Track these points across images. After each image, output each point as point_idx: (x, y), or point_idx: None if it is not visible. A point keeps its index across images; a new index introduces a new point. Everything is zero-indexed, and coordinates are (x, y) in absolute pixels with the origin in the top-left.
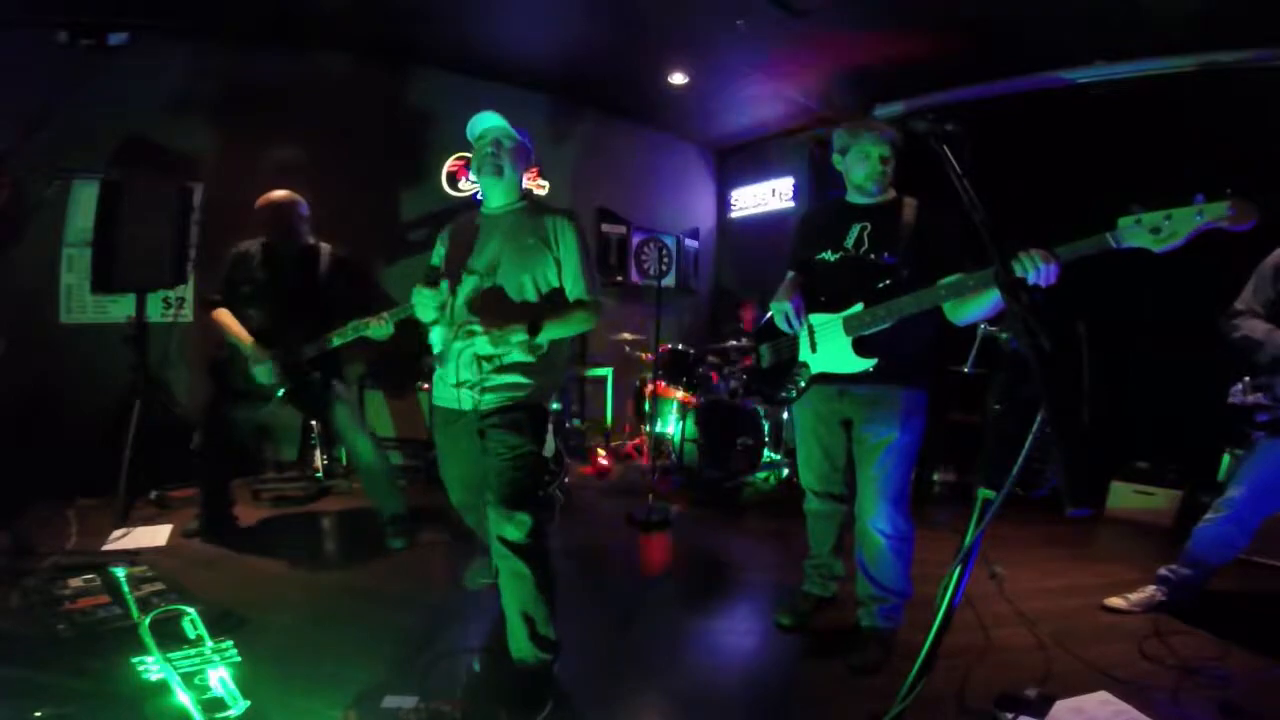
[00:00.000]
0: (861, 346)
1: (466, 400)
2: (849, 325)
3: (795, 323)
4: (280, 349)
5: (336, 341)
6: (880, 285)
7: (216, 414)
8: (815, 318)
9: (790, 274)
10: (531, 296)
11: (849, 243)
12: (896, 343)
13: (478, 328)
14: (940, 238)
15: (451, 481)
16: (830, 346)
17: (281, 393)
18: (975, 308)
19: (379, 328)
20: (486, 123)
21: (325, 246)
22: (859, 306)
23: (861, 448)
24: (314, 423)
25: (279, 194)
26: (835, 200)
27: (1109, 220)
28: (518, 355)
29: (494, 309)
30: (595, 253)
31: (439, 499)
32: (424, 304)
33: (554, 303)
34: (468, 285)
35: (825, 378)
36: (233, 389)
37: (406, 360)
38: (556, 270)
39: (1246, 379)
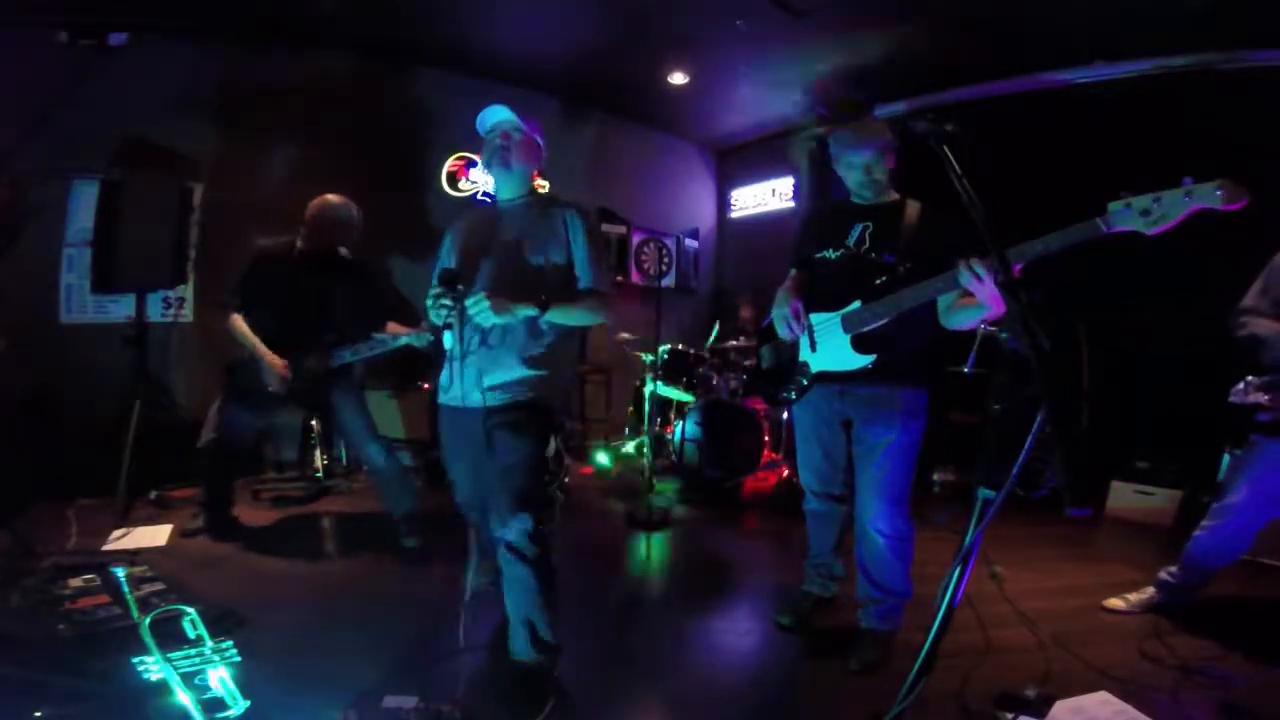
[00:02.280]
0: (860, 343)
1: (472, 398)
2: (847, 322)
3: (796, 327)
4: (297, 359)
5: (350, 357)
6: (878, 282)
7: (228, 414)
8: (815, 317)
9: (792, 272)
10: (543, 276)
11: (850, 241)
12: (896, 341)
13: (484, 302)
14: (942, 239)
15: (457, 479)
16: (830, 345)
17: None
18: (971, 311)
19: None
20: (496, 116)
21: (344, 252)
22: (857, 304)
23: (862, 448)
24: (314, 422)
25: (336, 199)
26: (840, 200)
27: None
28: (524, 344)
29: (505, 284)
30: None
31: (439, 500)
32: (438, 310)
33: (566, 287)
34: (480, 276)
35: (826, 377)
36: (245, 392)
37: (408, 360)
38: (569, 265)
39: (1249, 378)
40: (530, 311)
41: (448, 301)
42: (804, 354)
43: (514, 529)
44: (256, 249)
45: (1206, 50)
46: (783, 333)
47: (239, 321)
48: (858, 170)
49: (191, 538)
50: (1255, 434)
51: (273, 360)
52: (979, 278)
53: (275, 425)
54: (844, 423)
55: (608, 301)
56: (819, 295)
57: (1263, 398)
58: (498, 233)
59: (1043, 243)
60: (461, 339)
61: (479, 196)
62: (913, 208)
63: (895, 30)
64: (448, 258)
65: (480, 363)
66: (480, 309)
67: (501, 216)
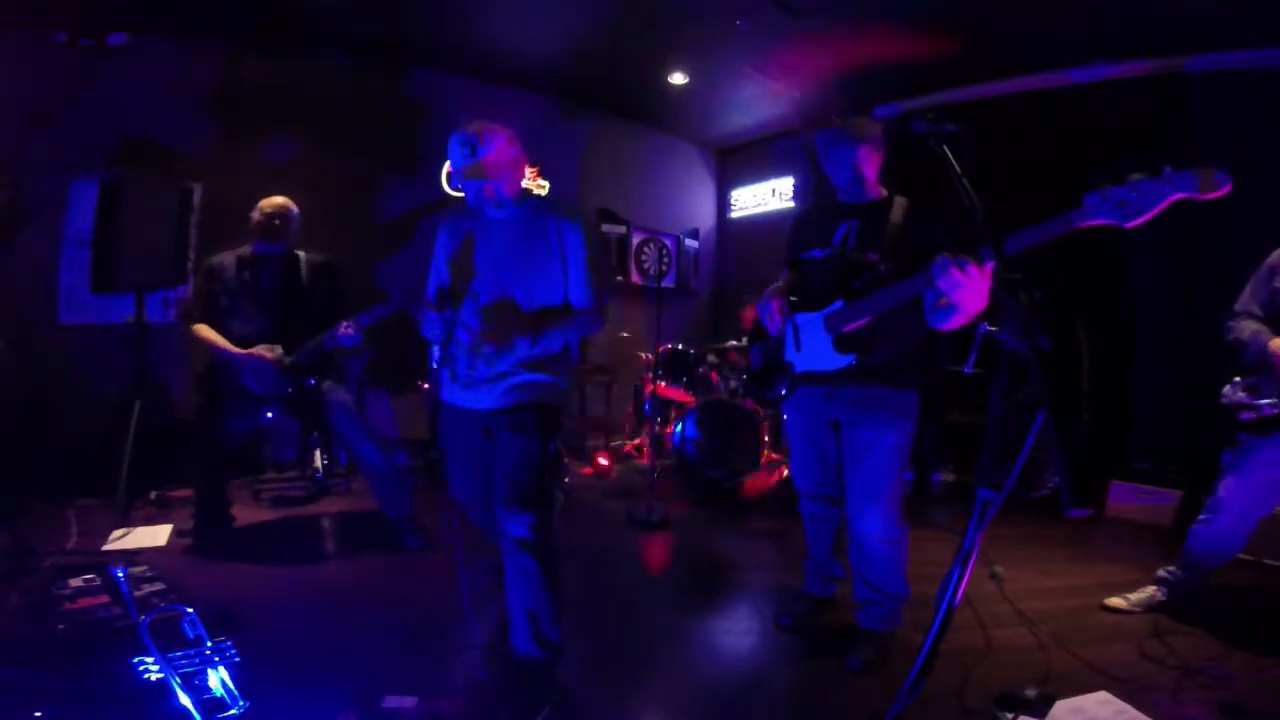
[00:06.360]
0: (842, 343)
1: (472, 399)
2: (830, 323)
3: (777, 319)
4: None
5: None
6: (855, 284)
7: (206, 421)
8: (801, 317)
9: (785, 272)
10: (534, 296)
11: (836, 240)
12: (880, 340)
13: (486, 344)
14: (925, 237)
15: (457, 477)
16: (814, 345)
17: (278, 397)
18: (952, 309)
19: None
20: (466, 169)
21: (303, 254)
22: (840, 304)
23: (850, 450)
24: None
25: (278, 199)
26: (827, 199)
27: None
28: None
29: (501, 319)
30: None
31: (439, 499)
32: (431, 327)
33: (560, 310)
34: (472, 295)
35: (811, 377)
36: (225, 397)
37: (407, 359)
38: (564, 276)
39: (1237, 378)
40: (525, 344)
41: (435, 320)
42: (789, 354)
43: (518, 525)
44: (206, 264)
45: (1201, 51)
46: (767, 325)
47: (204, 329)
48: (848, 166)
49: (190, 538)
50: (1242, 432)
51: (255, 354)
52: (948, 272)
53: (270, 426)
54: (834, 424)
55: (599, 314)
56: (806, 295)
57: (1244, 397)
58: (489, 248)
59: (1017, 238)
60: (450, 355)
61: None
62: (899, 205)
63: (894, 32)
64: (440, 265)
65: (480, 367)
66: (483, 349)
67: (495, 229)
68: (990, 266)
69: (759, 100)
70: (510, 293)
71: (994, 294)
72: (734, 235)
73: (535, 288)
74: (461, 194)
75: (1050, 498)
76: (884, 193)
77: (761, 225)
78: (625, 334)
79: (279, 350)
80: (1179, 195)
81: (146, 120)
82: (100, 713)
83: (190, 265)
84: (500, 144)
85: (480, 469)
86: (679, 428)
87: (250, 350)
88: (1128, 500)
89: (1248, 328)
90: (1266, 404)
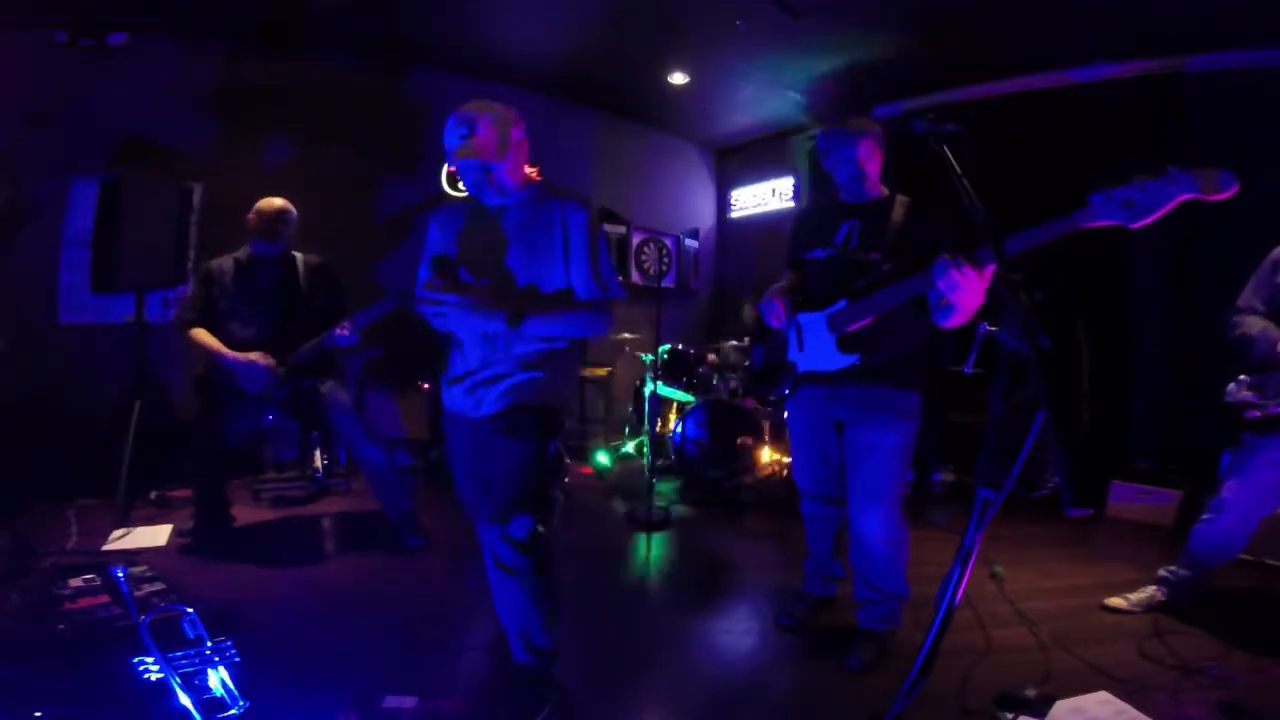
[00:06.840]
0: (844, 343)
1: (473, 405)
2: (832, 322)
3: (780, 317)
4: (271, 358)
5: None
6: (858, 284)
7: (206, 422)
8: (804, 317)
9: (786, 272)
10: (540, 287)
11: (838, 240)
12: (882, 340)
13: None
14: (928, 238)
15: (460, 478)
16: (816, 345)
17: (275, 401)
18: (955, 309)
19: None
20: (464, 155)
21: (300, 255)
22: (843, 304)
23: (852, 450)
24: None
25: (276, 201)
26: (828, 198)
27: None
28: (521, 347)
29: (494, 287)
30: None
31: (439, 499)
32: (428, 310)
33: (560, 301)
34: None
35: (813, 377)
36: (225, 398)
37: (407, 359)
38: (566, 266)
39: (1242, 377)
40: (499, 321)
41: (442, 297)
42: (792, 353)
43: (510, 534)
44: (203, 268)
45: (1201, 51)
46: (770, 323)
47: (201, 334)
48: (851, 164)
49: (190, 538)
50: (1245, 432)
51: (249, 359)
52: (947, 274)
53: (268, 426)
54: (836, 424)
55: (606, 309)
56: (809, 295)
57: (1250, 396)
58: (487, 238)
59: (1019, 238)
60: (461, 337)
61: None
62: (900, 204)
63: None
64: (431, 261)
65: (478, 369)
66: (468, 321)
67: (495, 219)
68: (990, 269)
69: (759, 100)
70: (511, 281)
71: (994, 294)
72: (734, 235)
73: (536, 279)
74: (461, 194)
75: (1050, 498)
76: (885, 191)
77: (761, 225)
78: (625, 335)
79: (271, 361)
80: (1185, 196)
81: (146, 120)
82: (100, 713)
83: (190, 265)
84: (500, 123)
85: (481, 472)
86: (679, 428)
87: (245, 357)
88: (1128, 500)
89: (1255, 324)
90: (1275, 404)
